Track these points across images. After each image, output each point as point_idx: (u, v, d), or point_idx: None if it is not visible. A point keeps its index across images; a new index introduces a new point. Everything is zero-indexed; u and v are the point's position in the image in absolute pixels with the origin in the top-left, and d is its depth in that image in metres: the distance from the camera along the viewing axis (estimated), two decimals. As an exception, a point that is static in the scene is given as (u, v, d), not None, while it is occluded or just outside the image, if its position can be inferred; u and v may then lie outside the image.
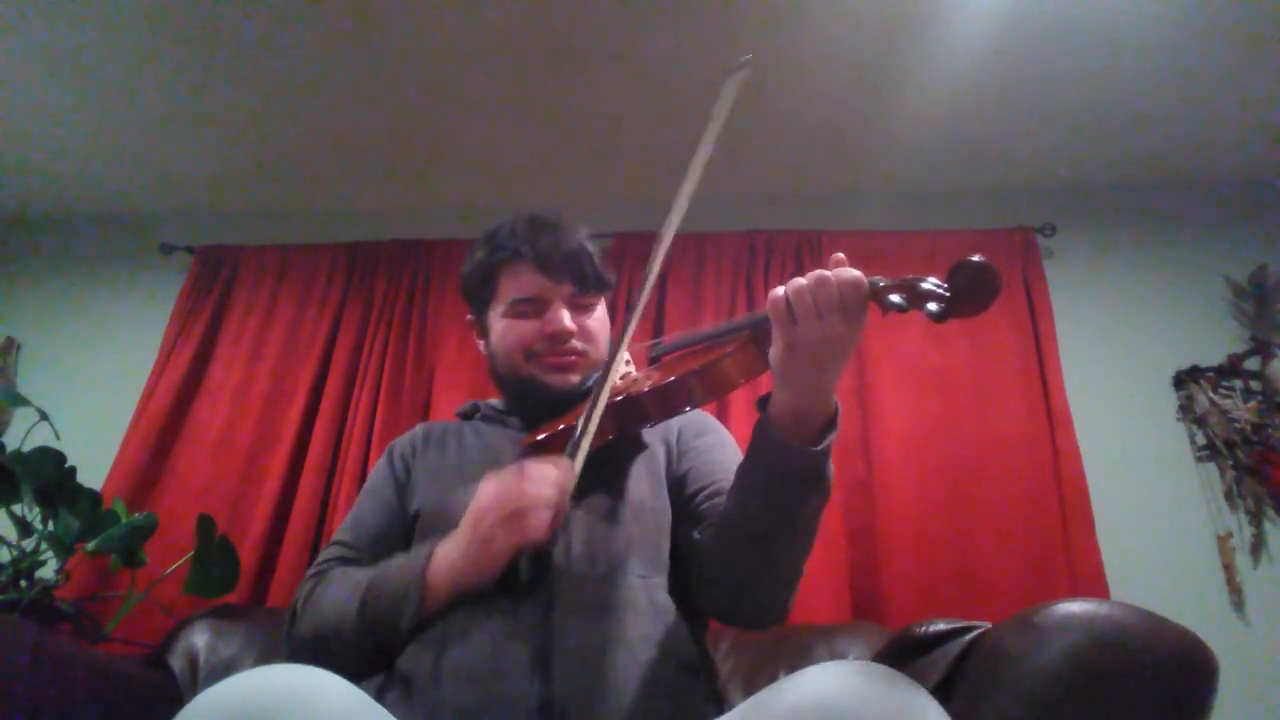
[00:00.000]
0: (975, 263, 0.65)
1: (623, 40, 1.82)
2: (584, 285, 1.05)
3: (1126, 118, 2.02)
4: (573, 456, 0.84)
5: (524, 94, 2.00)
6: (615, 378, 0.91)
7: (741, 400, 1.97)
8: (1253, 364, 2.01)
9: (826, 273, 0.73)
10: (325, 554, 1.02)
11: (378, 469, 1.10)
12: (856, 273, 0.72)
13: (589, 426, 0.85)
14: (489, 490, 0.84)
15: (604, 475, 0.97)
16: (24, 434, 1.67)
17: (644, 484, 0.99)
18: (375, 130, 2.15)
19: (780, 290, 0.75)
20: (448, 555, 0.85)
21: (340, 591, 0.90)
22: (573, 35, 1.82)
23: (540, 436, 0.95)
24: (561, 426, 0.93)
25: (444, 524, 0.93)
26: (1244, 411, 1.95)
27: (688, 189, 0.86)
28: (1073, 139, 2.10)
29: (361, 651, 0.86)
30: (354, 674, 0.85)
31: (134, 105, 2.05)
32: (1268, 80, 1.87)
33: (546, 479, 0.81)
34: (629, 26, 1.78)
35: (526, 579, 0.83)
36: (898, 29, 1.76)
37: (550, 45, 1.84)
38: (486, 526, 0.82)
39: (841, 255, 0.75)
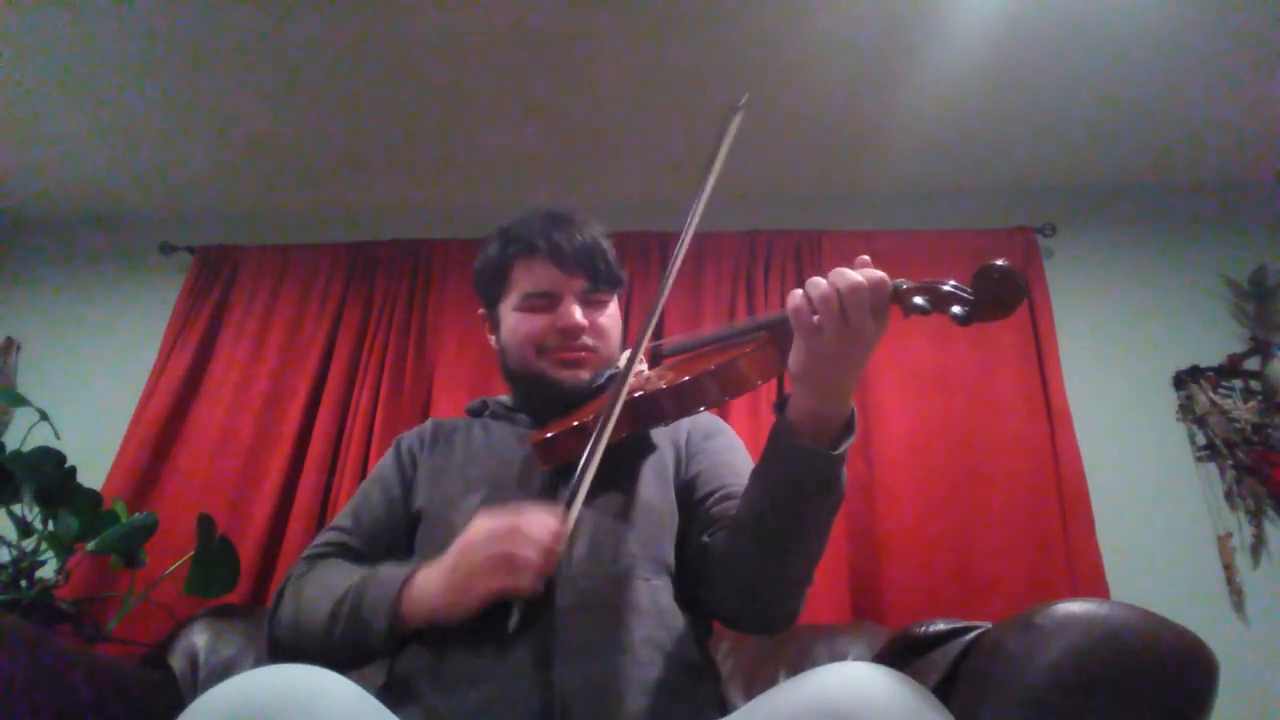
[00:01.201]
0: (1001, 267, 0.65)
1: (623, 41, 1.82)
2: (597, 281, 1.04)
3: (1127, 118, 2.02)
4: (569, 505, 0.81)
5: (524, 94, 2.00)
6: (626, 386, 0.90)
7: (741, 402, 1.97)
8: (1253, 364, 2.01)
9: (853, 274, 0.71)
10: (324, 537, 1.01)
11: (384, 461, 1.10)
12: (881, 273, 0.71)
13: (591, 463, 0.82)
14: (480, 530, 0.81)
15: (611, 476, 0.96)
16: (24, 434, 1.67)
17: (651, 486, 0.98)
18: (375, 130, 2.15)
19: (799, 294, 0.73)
20: (427, 585, 0.83)
21: (320, 595, 0.90)
22: (572, 35, 1.81)
23: (549, 434, 0.94)
24: (574, 424, 0.92)
25: (444, 528, 0.93)
26: (1244, 411, 1.95)
27: (692, 224, 0.84)
28: (1073, 139, 2.10)
29: (334, 656, 0.85)
30: (334, 668, 0.86)
31: (134, 106, 2.05)
32: (1268, 81, 1.87)
33: (541, 528, 0.78)
34: (629, 27, 1.78)
35: (515, 628, 0.79)
36: (898, 29, 1.76)
37: (550, 45, 1.84)
38: (469, 567, 0.80)
39: (866, 258, 0.74)
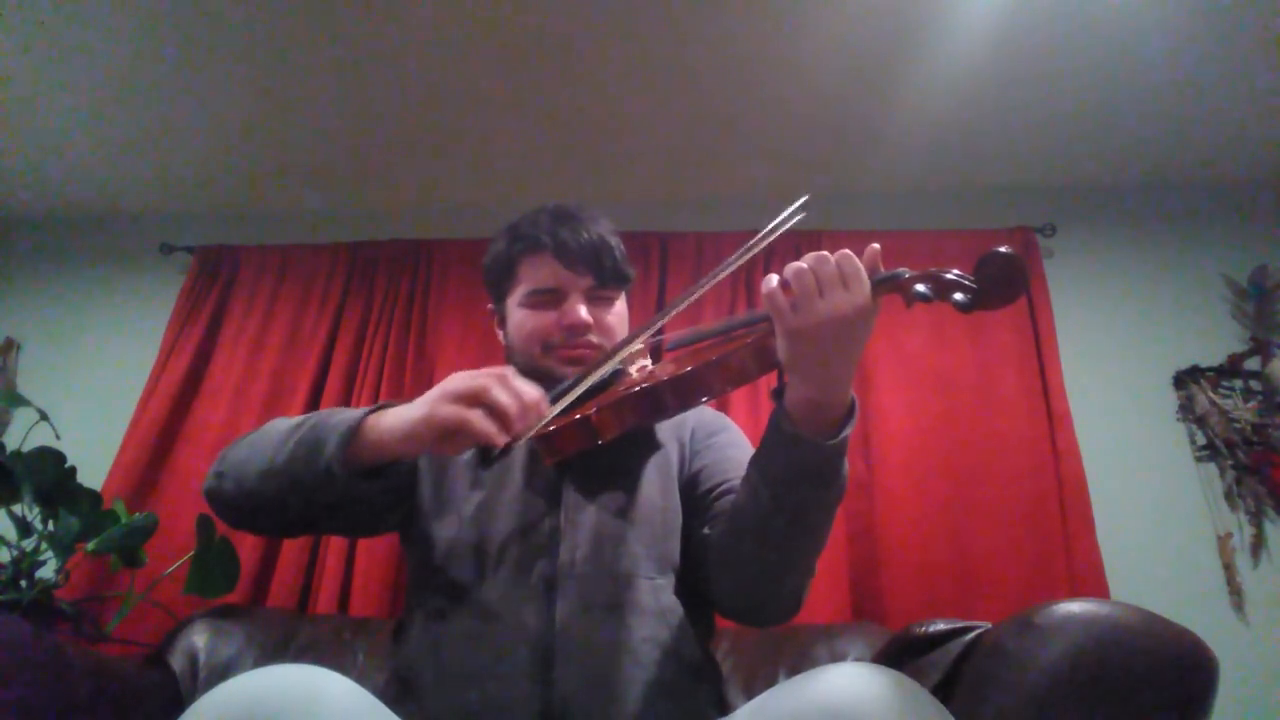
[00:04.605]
0: (1004, 254, 0.65)
1: (624, 40, 1.82)
2: (603, 278, 1.03)
3: (1127, 118, 2.02)
4: (552, 401, 0.82)
5: (524, 94, 2.00)
6: (620, 357, 0.90)
7: (742, 397, 1.97)
8: (1253, 364, 2.01)
9: (821, 253, 0.72)
10: None
11: None
12: (848, 251, 0.72)
13: (582, 382, 0.85)
14: (461, 373, 0.80)
15: (615, 474, 0.96)
16: (24, 434, 1.67)
17: (655, 484, 0.98)
18: (375, 130, 2.15)
19: (774, 278, 0.73)
20: (396, 411, 0.81)
21: (281, 423, 0.88)
22: (573, 35, 1.81)
23: (551, 428, 0.94)
24: (575, 417, 0.93)
25: (439, 509, 0.94)
26: (1244, 411, 1.95)
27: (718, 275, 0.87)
28: (1073, 139, 2.10)
29: (274, 485, 0.82)
30: (263, 516, 0.85)
31: (134, 105, 2.05)
32: (1268, 80, 1.87)
33: (525, 387, 0.78)
34: (630, 26, 1.78)
35: (467, 460, 0.88)
36: (899, 28, 1.76)
37: (551, 45, 1.84)
38: (438, 396, 0.78)
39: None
